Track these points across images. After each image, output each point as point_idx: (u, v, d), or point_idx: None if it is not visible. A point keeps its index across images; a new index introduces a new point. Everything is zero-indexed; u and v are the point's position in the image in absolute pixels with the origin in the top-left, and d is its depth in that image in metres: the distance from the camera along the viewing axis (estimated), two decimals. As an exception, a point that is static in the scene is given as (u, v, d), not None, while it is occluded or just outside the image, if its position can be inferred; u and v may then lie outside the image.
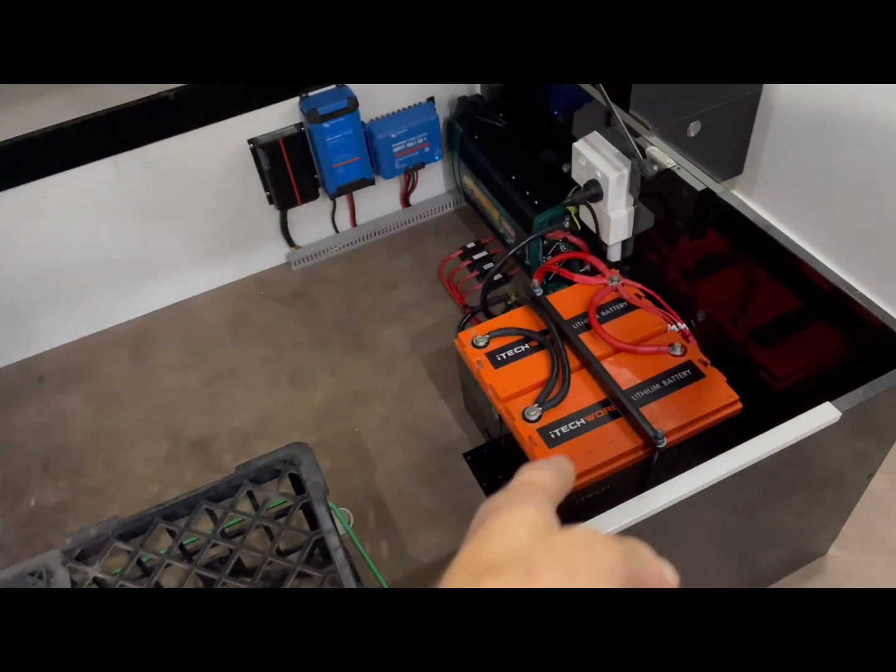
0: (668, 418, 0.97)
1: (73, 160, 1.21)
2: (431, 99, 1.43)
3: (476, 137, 1.41)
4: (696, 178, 0.94)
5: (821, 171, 1.37)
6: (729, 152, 1.50)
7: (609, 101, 0.98)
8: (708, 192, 0.93)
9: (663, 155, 0.97)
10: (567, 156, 1.17)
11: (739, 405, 0.99)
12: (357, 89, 1.33)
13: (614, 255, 1.18)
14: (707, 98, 1.36)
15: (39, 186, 1.23)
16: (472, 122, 1.42)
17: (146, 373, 1.38)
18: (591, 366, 1.04)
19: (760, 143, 1.45)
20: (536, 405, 1.00)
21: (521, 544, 0.28)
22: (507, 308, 1.38)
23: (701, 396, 1.00)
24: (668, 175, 0.97)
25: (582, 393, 1.02)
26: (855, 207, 1.34)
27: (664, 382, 1.02)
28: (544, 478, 0.33)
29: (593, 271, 1.19)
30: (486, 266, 1.47)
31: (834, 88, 1.28)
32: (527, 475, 0.34)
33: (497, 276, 1.43)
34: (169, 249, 1.42)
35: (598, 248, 1.20)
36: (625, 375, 1.02)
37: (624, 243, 1.16)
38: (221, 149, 1.33)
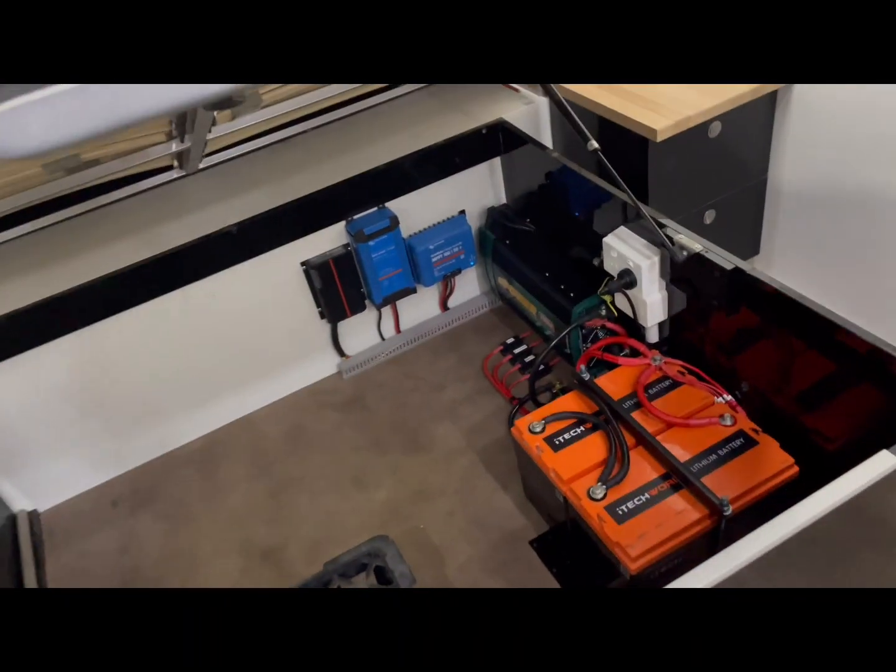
0: (729, 486, 1.01)
1: (146, 294, 1.33)
2: (462, 212, 1.56)
3: (507, 242, 1.52)
4: (725, 258, 1.03)
5: (832, 242, 1.46)
6: (744, 235, 1.61)
7: (634, 198, 1.08)
8: (738, 271, 1.01)
9: (691, 241, 1.06)
10: (595, 251, 1.27)
11: (796, 468, 1.03)
12: (396, 208, 1.46)
13: (653, 336, 1.25)
14: (718, 187, 1.48)
15: (115, 321, 1.34)
16: (503, 228, 1.54)
17: (214, 489, 1.44)
18: (648, 442, 1.08)
19: (773, 223, 1.55)
20: (600, 484, 1.04)
21: None
22: (554, 396, 1.45)
23: (757, 463, 1.04)
24: (697, 258, 1.06)
25: (642, 469, 1.07)
26: (869, 270, 1.42)
27: (720, 452, 1.06)
28: None
29: (634, 353, 1.26)
30: (528, 359, 1.54)
31: (835, 167, 1.39)
32: None
33: (541, 367, 1.50)
34: (230, 370, 1.51)
35: (636, 332, 1.27)
36: (681, 448, 1.07)
37: (661, 325, 1.24)
38: (278, 273, 1.45)
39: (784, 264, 1.59)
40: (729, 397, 1.13)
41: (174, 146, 1.16)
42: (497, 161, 1.54)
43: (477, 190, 1.56)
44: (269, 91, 1.08)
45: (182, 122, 0.99)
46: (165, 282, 1.34)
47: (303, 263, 1.45)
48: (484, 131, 1.47)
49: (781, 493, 1.03)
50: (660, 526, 0.98)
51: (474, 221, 1.59)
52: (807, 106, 1.37)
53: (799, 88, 1.36)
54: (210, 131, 1.11)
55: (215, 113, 1.01)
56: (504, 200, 1.60)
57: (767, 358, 1.10)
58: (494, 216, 1.55)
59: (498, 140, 1.49)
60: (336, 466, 1.43)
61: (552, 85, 1.14)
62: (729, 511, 0.97)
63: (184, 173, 1.47)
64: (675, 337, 1.26)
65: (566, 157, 1.34)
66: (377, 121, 1.56)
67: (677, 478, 1.04)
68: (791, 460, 1.03)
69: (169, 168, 1.47)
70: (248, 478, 1.45)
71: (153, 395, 1.46)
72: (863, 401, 0.95)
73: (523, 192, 1.54)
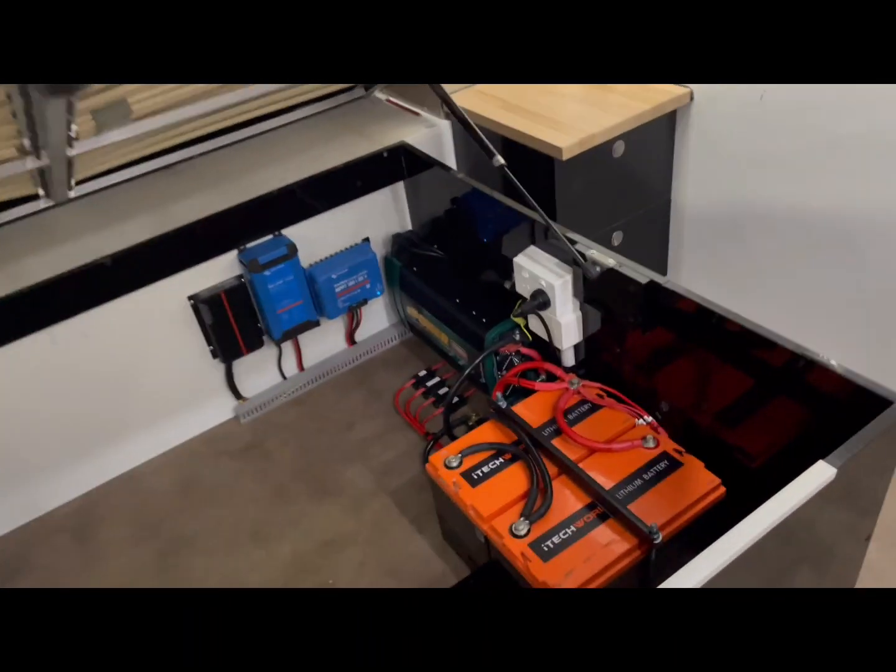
0: (657, 512, 0.95)
1: (5, 335, 1.17)
2: (367, 239, 1.48)
3: (415, 269, 1.45)
4: (639, 272, 0.99)
5: (737, 262, 1.47)
6: (652, 257, 1.60)
7: (544, 214, 1.03)
8: (653, 285, 0.97)
9: (603, 256, 1.02)
10: (506, 273, 1.22)
11: (723, 488, 0.98)
12: (294, 235, 1.36)
13: (569, 359, 1.20)
14: (625, 208, 1.47)
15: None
16: (410, 255, 1.47)
17: (92, 556, 1.26)
18: (571, 470, 1.01)
19: (679, 244, 1.55)
20: (523, 519, 0.96)
21: None
22: (470, 429, 1.36)
23: (683, 485, 0.99)
24: (611, 274, 1.01)
25: (566, 499, 0.99)
26: (776, 287, 1.43)
27: (644, 476, 1.00)
28: None
29: (550, 378, 1.20)
30: (441, 391, 1.46)
31: (735, 185, 1.40)
32: None
33: (454, 399, 1.42)
34: (109, 419, 1.35)
35: (552, 356, 1.22)
36: (604, 475, 1.00)
37: (576, 347, 1.19)
38: (161, 309, 1.31)
39: (691, 286, 1.59)
40: (650, 419, 1.09)
41: (29, 163, 1.02)
42: (400, 186, 1.48)
43: (381, 216, 1.49)
44: (137, 101, 0.97)
45: (32, 128, 0.87)
46: (28, 321, 1.18)
47: (190, 297, 1.32)
48: (385, 154, 1.40)
49: (710, 515, 0.98)
50: (588, 560, 0.91)
51: (379, 249, 1.51)
52: (705, 125, 1.38)
53: (697, 107, 1.38)
54: (71, 146, 0.99)
55: (73, 126, 0.89)
56: (410, 226, 1.53)
57: (685, 375, 1.07)
58: (400, 242, 1.48)
59: (400, 163, 1.43)
60: (234, 521, 1.29)
61: (454, 103, 1.08)
62: (659, 539, 0.90)
63: (52, 203, 1.32)
64: (592, 359, 1.21)
65: (472, 179, 1.29)
66: (271, 145, 1.47)
67: (603, 506, 0.97)
68: (717, 480, 0.98)
69: (35, 197, 1.32)
70: (132, 541, 1.28)
71: (18, 453, 1.27)
72: (785, 413, 0.92)
73: (429, 217, 1.48)
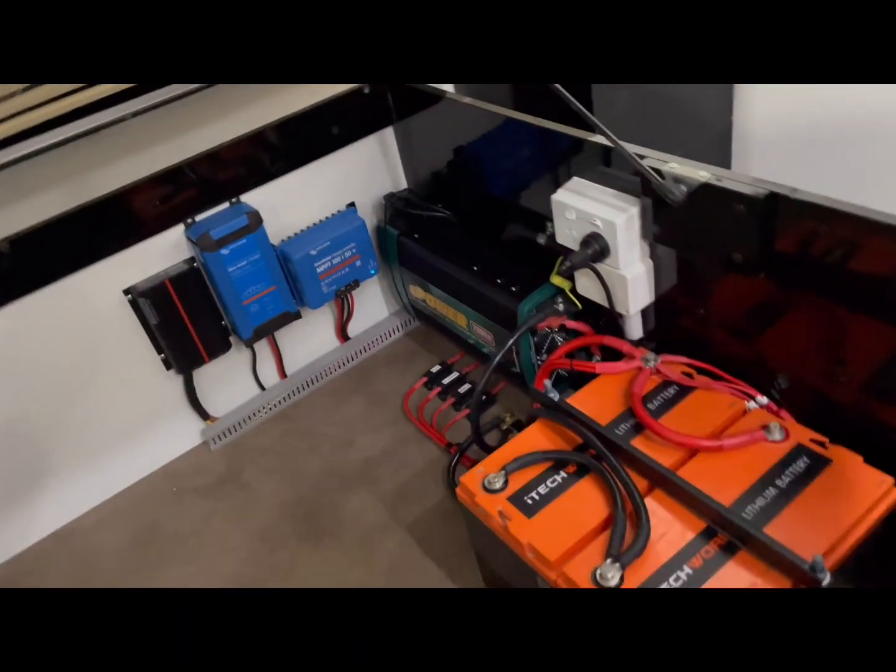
0: (810, 536, 0.64)
1: None
2: (352, 204, 1.17)
3: (416, 236, 1.14)
4: (750, 184, 0.67)
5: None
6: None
7: (600, 125, 0.71)
8: (774, 200, 0.66)
9: (691, 169, 0.71)
10: (536, 226, 0.91)
11: (897, 490, 0.67)
12: (256, 202, 1.06)
13: (635, 329, 0.89)
14: (676, 136, 1.16)
15: None
16: (408, 220, 1.16)
17: (16, 643, 0.94)
18: (668, 482, 0.70)
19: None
20: (610, 561, 0.65)
21: None
22: (505, 434, 1.05)
23: (840, 491, 0.68)
24: (703, 195, 0.70)
25: (669, 527, 0.68)
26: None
27: (778, 483, 0.69)
28: None
29: (612, 356, 0.89)
30: (462, 389, 1.15)
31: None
32: None
33: (483, 397, 1.11)
34: (36, 461, 1.03)
35: (608, 327, 0.91)
36: (719, 486, 0.69)
37: (644, 312, 0.87)
38: (87, 308, 1.00)
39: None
40: (765, 399, 0.77)
41: None
42: (389, 133, 1.17)
43: (367, 173, 1.18)
44: None
45: None
46: None
47: (126, 291, 1.01)
48: (366, 90, 1.09)
49: (887, 531, 0.66)
50: (725, 622, 0.59)
51: (369, 216, 1.20)
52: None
53: None
54: None
55: None
56: (404, 184, 1.22)
57: (810, 334, 0.75)
58: (395, 205, 1.17)
59: (387, 102, 1.12)
60: (205, 580, 0.97)
61: None
62: (826, 578, 0.59)
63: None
64: (664, 327, 0.90)
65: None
66: (220, 92, 1.16)
67: (728, 533, 0.66)
68: (888, 479, 0.67)
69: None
70: (71, 618, 0.96)
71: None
72: None
73: (428, 170, 1.17)
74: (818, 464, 0.70)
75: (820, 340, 0.75)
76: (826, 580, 0.59)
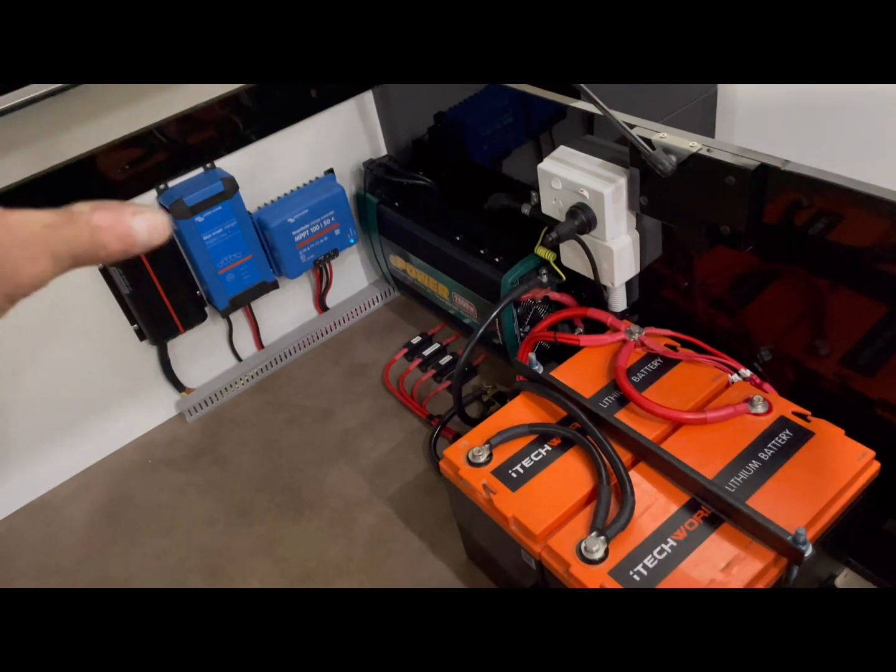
0: (792, 508, 0.64)
1: None
2: (331, 171, 1.14)
3: (396, 205, 1.11)
4: (741, 155, 0.66)
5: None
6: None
7: (594, 97, 0.69)
8: (764, 171, 0.65)
9: (681, 139, 0.69)
10: (520, 195, 0.89)
11: (877, 463, 0.67)
12: (231, 167, 1.02)
13: (619, 301, 0.88)
14: (659, 103, 1.14)
15: None
16: (388, 187, 1.13)
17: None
18: (652, 454, 0.70)
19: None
20: (595, 534, 0.65)
21: None
22: (487, 406, 1.05)
23: (822, 464, 0.68)
24: (692, 165, 0.69)
25: (653, 500, 0.68)
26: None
27: (762, 455, 0.69)
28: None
29: (595, 329, 0.88)
30: (443, 361, 1.14)
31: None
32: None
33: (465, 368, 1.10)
34: (5, 433, 1.00)
35: (592, 299, 0.90)
36: (703, 458, 0.69)
37: (628, 284, 0.87)
38: (57, 279, 0.96)
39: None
40: (748, 372, 0.77)
41: None
42: (368, 96, 1.13)
43: (347, 138, 1.14)
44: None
45: None
46: None
47: (96, 259, 0.97)
48: (345, 52, 1.05)
49: (863, 502, 0.67)
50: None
51: (348, 183, 1.17)
52: None
53: None
54: None
55: None
56: (384, 150, 1.19)
57: (791, 307, 0.75)
58: (375, 172, 1.14)
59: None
60: (180, 555, 0.96)
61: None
62: (808, 550, 0.59)
63: None
64: (648, 299, 0.89)
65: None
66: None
67: (711, 506, 0.66)
68: (869, 452, 0.68)
69: None
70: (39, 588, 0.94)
71: None
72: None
73: (408, 135, 1.14)
74: (801, 437, 0.70)
75: (803, 313, 0.75)
76: (808, 552, 0.60)
